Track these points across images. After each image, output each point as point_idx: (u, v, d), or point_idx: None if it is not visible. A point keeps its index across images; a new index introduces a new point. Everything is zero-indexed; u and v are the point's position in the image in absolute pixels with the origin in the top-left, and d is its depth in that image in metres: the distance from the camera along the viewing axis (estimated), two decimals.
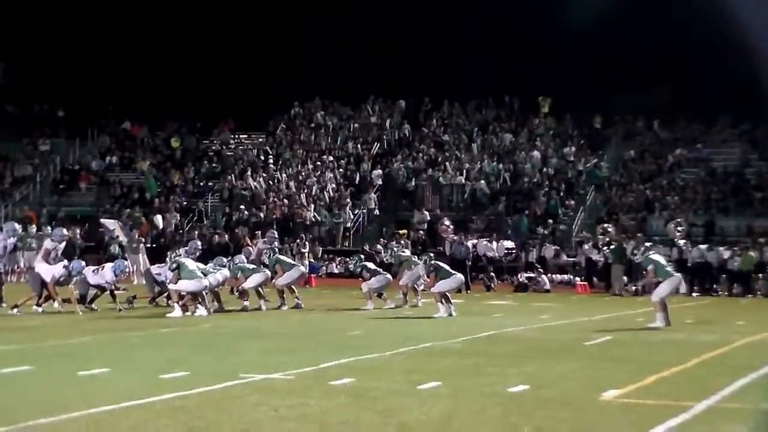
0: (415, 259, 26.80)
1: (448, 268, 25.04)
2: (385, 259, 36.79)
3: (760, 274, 37.32)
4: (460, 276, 25.23)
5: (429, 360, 15.03)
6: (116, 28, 54.49)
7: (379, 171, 49.11)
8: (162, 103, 54.98)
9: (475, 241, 41.25)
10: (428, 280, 24.85)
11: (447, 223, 39.37)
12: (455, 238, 39.55)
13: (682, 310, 24.67)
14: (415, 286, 27.18)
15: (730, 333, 20.33)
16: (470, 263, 37.95)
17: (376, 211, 46.59)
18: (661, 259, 22.47)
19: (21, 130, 56.00)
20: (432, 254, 27.71)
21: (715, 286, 37.44)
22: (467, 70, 52.60)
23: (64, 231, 27.01)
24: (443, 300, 24.01)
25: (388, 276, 26.94)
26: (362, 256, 29.71)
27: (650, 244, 25.74)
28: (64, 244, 25.21)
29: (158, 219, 39.41)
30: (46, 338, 17.43)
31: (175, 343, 17.42)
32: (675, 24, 48.41)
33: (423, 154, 50.15)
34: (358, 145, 51.90)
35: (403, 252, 28.10)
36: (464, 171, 47.99)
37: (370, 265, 27.52)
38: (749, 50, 44.04)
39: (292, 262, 27.25)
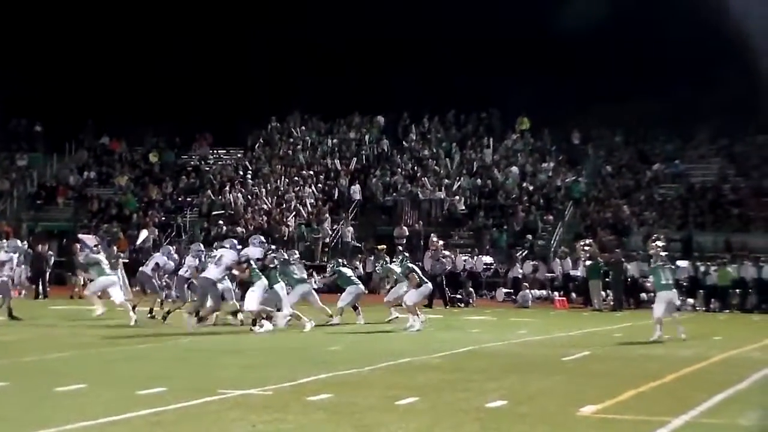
0: (395, 268, 26.62)
1: (421, 273, 25.52)
2: (360, 274, 36.83)
3: (738, 290, 37.43)
4: (429, 285, 25.61)
5: (407, 375, 15.02)
6: (95, 42, 54.36)
7: (358, 186, 49.09)
8: (140, 118, 54.87)
9: (453, 256, 41.29)
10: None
11: (435, 239, 39.40)
12: (446, 252, 39.62)
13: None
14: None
15: (708, 348, 20.39)
16: (444, 279, 37.61)
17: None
18: (665, 274, 23.00)
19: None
20: (407, 255, 27.92)
21: (692, 301, 37.51)
22: (446, 86, 52.73)
23: (18, 242, 27.09)
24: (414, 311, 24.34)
25: (361, 287, 26.85)
26: (340, 260, 29.53)
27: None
28: (16, 255, 25.26)
29: (143, 233, 39.24)
30: (23, 354, 17.33)
31: (153, 358, 17.35)
32: (653, 39, 48.73)
33: (402, 169, 50.17)
34: (337, 160, 51.88)
35: (394, 266, 27.87)
36: (443, 186, 48.03)
37: (347, 271, 27.38)
38: (729, 66, 44.41)
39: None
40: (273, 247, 26.53)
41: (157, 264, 27.66)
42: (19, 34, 54.31)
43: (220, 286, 23.26)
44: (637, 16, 47.76)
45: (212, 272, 22.78)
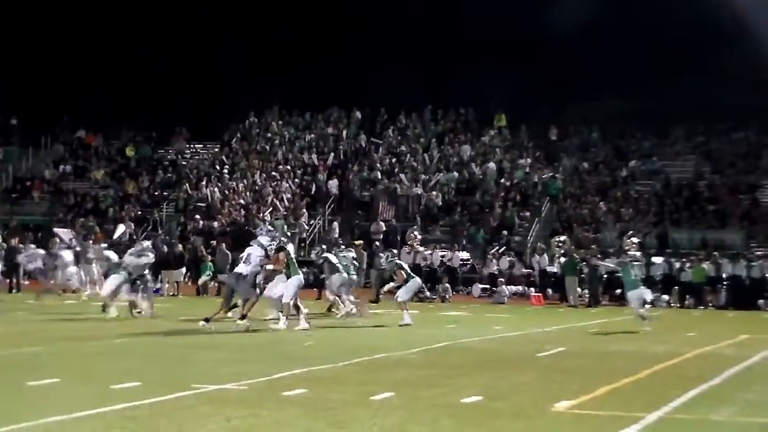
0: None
1: (408, 269, 25.70)
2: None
3: (716, 286, 37.56)
4: (418, 280, 25.81)
5: (383, 371, 15.02)
6: (71, 36, 54.12)
7: (336, 181, 49.07)
8: (117, 112, 54.69)
9: (430, 252, 41.40)
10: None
11: (416, 233, 39.41)
12: (421, 249, 39.70)
13: (634, 321, 24.78)
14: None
15: (682, 344, 20.46)
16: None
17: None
18: (633, 271, 23.64)
19: None
20: (394, 252, 28.05)
21: (667, 297, 37.65)
22: (423, 82, 52.75)
23: None
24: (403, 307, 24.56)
25: (345, 275, 26.74)
26: (324, 247, 29.34)
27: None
28: None
29: (120, 228, 39.07)
30: None
31: (128, 353, 17.28)
32: (629, 38, 48.89)
33: (379, 164, 50.16)
34: (314, 156, 51.83)
35: (400, 260, 27.74)
36: (420, 182, 48.08)
37: (333, 258, 27.17)
38: (705, 64, 44.61)
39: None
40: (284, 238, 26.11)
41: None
42: None
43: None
44: (615, 15, 47.88)
45: (242, 268, 22.40)
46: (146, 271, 25.34)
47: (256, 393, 12.34)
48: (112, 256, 27.05)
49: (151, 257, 25.63)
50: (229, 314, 22.69)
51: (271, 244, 22.74)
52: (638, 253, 34.13)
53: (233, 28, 54.41)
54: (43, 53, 54.12)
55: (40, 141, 55.23)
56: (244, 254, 22.74)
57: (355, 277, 27.45)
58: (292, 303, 22.66)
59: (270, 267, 22.57)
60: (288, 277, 22.73)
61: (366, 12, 53.41)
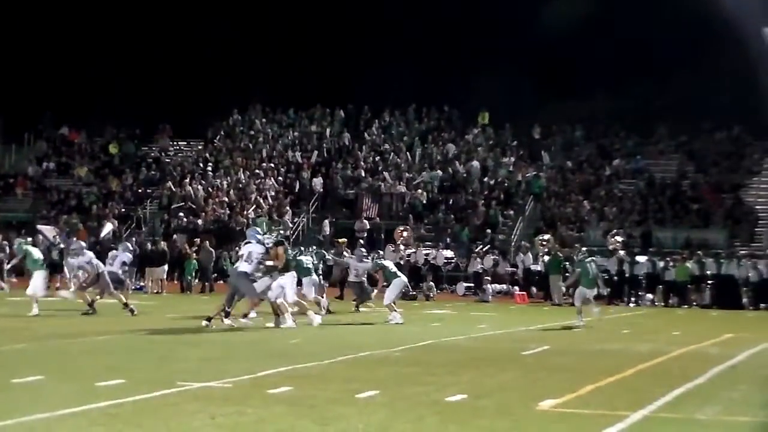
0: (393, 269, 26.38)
1: (393, 268, 25.70)
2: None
3: (701, 285, 37.66)
4: (403, 278, 25.78)
5: (367, 368, 15.02)
6: (55, 32, 53.92)
7: (320, 179, 49.05)
8: (100, 109, 54.52)
9: (414, 250, 41.47)
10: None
11: (402, 229, 39.45)
12: (401, 247, 39.77)
13: (619, 320, 24.88)
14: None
15: (667, 343, 20.52)
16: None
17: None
18: (591, 269, 23.91)
19: None
20: (380, 252, 28.15)
21: (651, 296, 37.78)
22: (407, 80, 52.73)
23: None
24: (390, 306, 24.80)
25: (315, 277, 26.64)
26: (302, 248, 29.26)
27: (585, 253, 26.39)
28: None
29: (107, 227, 38.96)
30: None
31: (113, 350, 17.24)
32: (614, 37, 48.96)
33: (363, 162, 50.17)
34: (298, 153, 51.79)
35: (385, 261, 27.67)
36: (404, 180, 48.10)
37: (305, 260, 26.94)
38: (689, 63, 44.72)
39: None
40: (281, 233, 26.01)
41: (124, 262, 27.29)
42: None
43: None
44: (598, 15, 47.96)
45: (245, 267, 22.15)
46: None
47: (241, 390, 12.32)
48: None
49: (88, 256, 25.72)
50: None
51: (269, 240, 22.62)
52: (622, 252, 34.54)
53: (217, 25, 54.26)
54: (26, 49, 53.92)
55: (23, 137, 55.02)
56: (244, 252, 22.43)
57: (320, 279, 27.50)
58: (291, 300, 22.74)
59: (269, 263, 22.24)
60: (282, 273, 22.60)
61: (351, 11, 53.41)
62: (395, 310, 24.67)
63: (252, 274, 21.86)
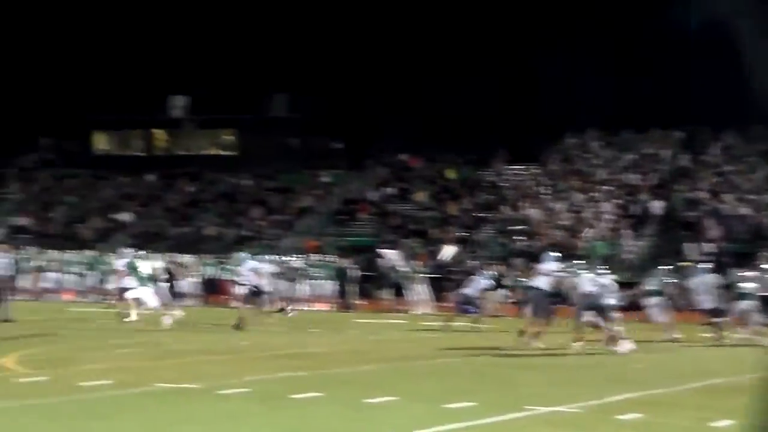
0: None
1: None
2: None
3: None
4: None
5: (720, 397, 14.48)
6: (387, 64, 55.64)
7: (659, 202, 48.00)
8: (437, 136, 55.72)
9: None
10: None
11: None
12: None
13: None
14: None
15: None
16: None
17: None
18: None
19: (302, 161, 57.87)
20: None
21: None
22: (745, 98, 50.83)
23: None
24: None
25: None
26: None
27: None
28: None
29: (448, 250, 39.76)
30: (331, 366, 17.83)
31: (458, 372, 17.49)
32: None
33: (704, 183, 48.73)
34: (635, 176, 50.95)
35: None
36: (747, 201, 46.33)
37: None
38: None
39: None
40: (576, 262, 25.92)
41: (484, 288, 27.87)
42: (322, 55, 56.32)
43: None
44: None
45: (541, 282, 22.47)
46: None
47: (590, 416, 12.18)
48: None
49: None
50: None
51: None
52: None
53: (543, 53, 54.32)
54: (355, 77, 55.84)
55: (364, 164, 56.96)
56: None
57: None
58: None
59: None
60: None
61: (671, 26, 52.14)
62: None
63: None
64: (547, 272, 22.67)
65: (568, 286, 23.72)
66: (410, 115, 55.43)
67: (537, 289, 22.48)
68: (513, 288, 37.20)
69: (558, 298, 23.50)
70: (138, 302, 27.16)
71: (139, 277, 27.34)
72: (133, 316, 26.99)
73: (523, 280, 32.72)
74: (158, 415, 11.98)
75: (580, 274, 23.19)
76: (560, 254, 24.55)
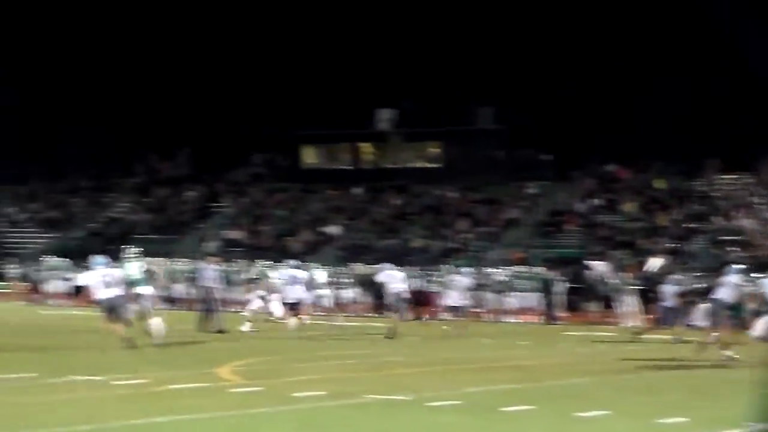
0: None
1: None
2: None
3: None
4: None
5: None
6: (593, 74, 55.12)
7: None
8: (646, 146, 54.78)
9: None
10: None
11: None
12: None
13: None
14: None
15: None
16: None
17: None
18: None
19: (508, 173, 57.79)
20: None
21: None
22: None
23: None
24: None
25: None
26: None
27: None
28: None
29: (655, 261, 39.13)
30: (542, 378, 17.76)
31: (671, 387, 17.15)
32: None
33: None
34: None
35: None
36: None
37: None
38: None
39: None
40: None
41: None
42: (532, 72, 56.31)
43: None
44: None
45: (725, 293, 22.14)
46: None
47: None
48: None
49: None
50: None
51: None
52: None
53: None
54: (561, 88, 55.51)
55: (571, 175, 56.46)
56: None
57: None
58: None
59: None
60: None
61: None
62: None
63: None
64: (730, 284, 22.18)
65: (752, 298, 23.64)
66: (618, 125, 54.65)
67: (719, 300, 22.13)
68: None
69: (738, 311, 23.25)
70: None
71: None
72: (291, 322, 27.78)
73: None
74: (372, 426, 12.20)
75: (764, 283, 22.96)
76: (744, 266, 24.06)
